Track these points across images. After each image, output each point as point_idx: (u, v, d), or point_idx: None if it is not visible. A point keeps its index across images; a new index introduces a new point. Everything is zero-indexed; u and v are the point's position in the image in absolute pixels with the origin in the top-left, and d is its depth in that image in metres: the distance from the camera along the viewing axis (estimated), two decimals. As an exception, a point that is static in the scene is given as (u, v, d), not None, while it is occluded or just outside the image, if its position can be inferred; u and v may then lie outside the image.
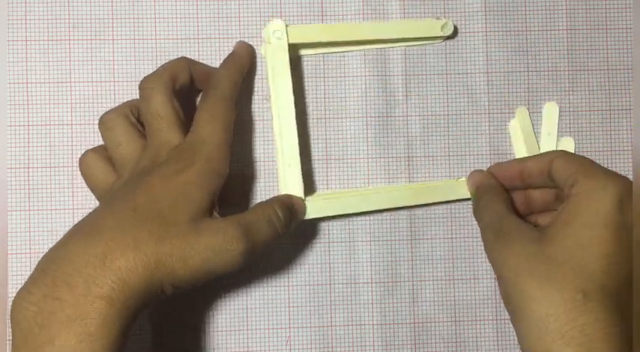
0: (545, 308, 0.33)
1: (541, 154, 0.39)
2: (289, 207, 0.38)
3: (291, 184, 0.39)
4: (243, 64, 0.41)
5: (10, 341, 0.31)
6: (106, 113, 0.38)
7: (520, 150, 0.43)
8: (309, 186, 0.42)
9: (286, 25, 0.40)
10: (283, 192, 0.40)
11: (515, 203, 0.40)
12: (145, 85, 0.37)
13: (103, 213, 0.34)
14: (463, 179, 0.42)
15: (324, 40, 0.41)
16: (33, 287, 0.31)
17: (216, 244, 0.34)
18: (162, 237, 0.33)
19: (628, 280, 0.34)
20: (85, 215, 0.34)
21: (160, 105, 0.37)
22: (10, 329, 0.31)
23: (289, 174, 0.39)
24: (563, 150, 0.39)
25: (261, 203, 0.38)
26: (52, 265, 0.32)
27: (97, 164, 0.38)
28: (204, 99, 0.38)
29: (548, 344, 0.32)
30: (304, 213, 0.40)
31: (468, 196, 0.42)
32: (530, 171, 0.39)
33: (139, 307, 0.32)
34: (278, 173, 0.41)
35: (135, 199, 0.34)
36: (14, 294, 0.41)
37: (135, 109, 0.39)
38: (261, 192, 0.42)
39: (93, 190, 0.38)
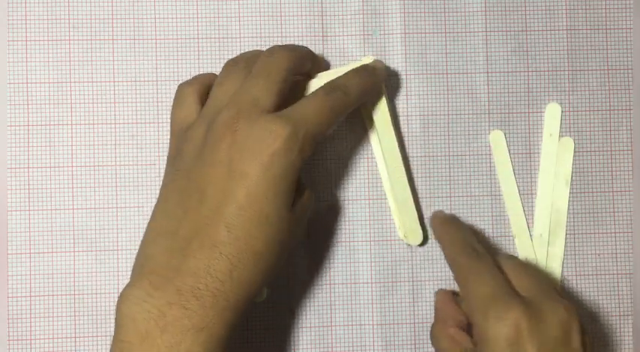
0: None
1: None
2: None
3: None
4: (379, 82, 0.40)
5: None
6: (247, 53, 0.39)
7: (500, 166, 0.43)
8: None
9: None
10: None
11: None
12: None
13: (208, 215, 0.33)
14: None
15: None
16: (154, 292, 0.32)
17: (305, 219, 0.37)
18: (278, 244, 0.34)
19: None
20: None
21: (279, 66, 0.36)
22: (117, 324, 0.32)
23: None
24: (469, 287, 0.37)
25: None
26: (175, 274, 0.32)
27: (189, 97, 0.37)
28: (325, 93, 0.36)
29: None
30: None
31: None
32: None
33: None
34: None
35: (235, 198, 0.33)
36: (14, 294, 0.41)
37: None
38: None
39: (172, 123, 0.38)
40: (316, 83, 0.39)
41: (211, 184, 0.33)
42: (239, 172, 0.33)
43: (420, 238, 0.42)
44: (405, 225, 0.41)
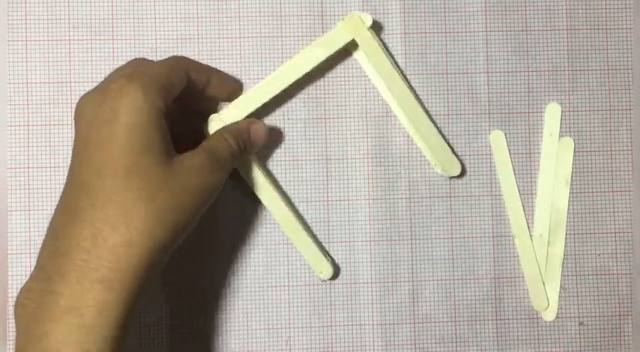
0: None
1: None
2: (242, 135, 0.38)
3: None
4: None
5: (13, 340, 0.31)
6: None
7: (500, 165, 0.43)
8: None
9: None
10: None
11: None
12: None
13: (73, 191, 0.32)
14: None
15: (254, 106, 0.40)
16: (32, 284, 0.31)
17: (198, 181, 0.33)
18: (147, 195, 0.31)
19: None
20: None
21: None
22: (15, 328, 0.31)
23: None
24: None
25: (217, 133, 0.37)
26: (48, 260, 0.31)
27: None
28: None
29: None
30: (264, 137, 0.39)
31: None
32: None
33: (140, 289, 0.31)
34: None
35: (91, 164, 0.31)
36: (14, 294, 0.41)
37: None
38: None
39: None
40: (295, 66, 0.40)
41: (73, 166, 0.32)
42: (91, 141, 0.32)
43: (458, 167, 0.41)
44: (439, 158, 0.41)
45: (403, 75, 0.42)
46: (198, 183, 0.34)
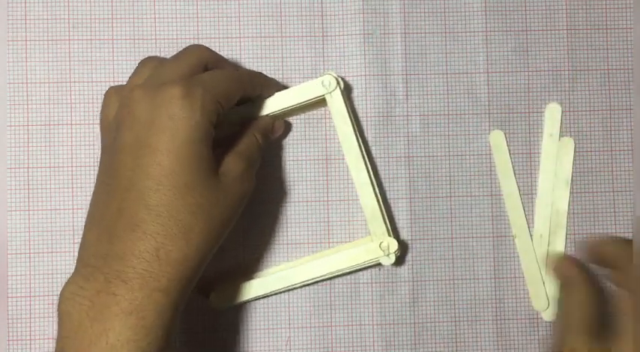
0: None
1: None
2: (267, 131, 0.40)
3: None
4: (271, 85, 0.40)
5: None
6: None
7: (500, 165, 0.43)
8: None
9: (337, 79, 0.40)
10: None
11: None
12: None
13: (128, 197, 0.32)
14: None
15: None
16: (85, 283, 0.32)
17: (240, 190, 0.35)
18: (204, 212, 0.33)
19: None
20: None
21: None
22: (58, 322, 0.32)
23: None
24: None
25: (247, 132, 0.38)
26: (103, 262, 0.32)
27: (113, 96, 0.36)
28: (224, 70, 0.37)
29: None
30: (280, 133, 0.41)
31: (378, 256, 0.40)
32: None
33: (189, 292, 0.33)
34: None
35: (149, 174, 0.32)
36: (14, 294, 0.41)
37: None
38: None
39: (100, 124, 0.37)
40: (272, 102, 0.40)
41: (125, 166, 0.33)
42: (147, 147, 0.32)
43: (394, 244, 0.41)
44: (375, 230, 0.40)
45: (363, 141, 0.42)
46: (241, 192, 0.36)
